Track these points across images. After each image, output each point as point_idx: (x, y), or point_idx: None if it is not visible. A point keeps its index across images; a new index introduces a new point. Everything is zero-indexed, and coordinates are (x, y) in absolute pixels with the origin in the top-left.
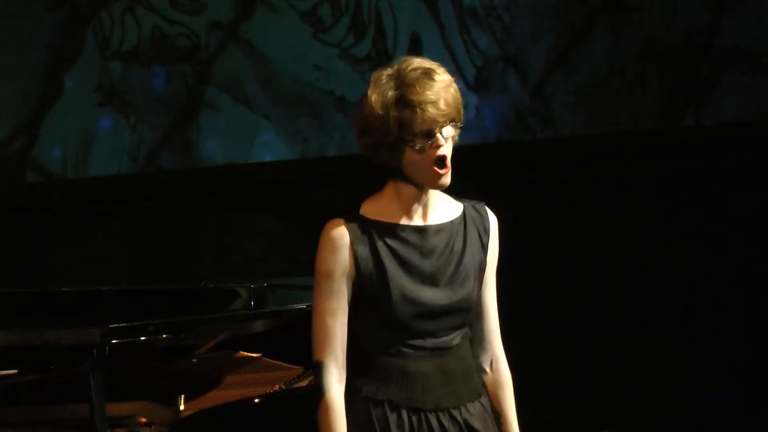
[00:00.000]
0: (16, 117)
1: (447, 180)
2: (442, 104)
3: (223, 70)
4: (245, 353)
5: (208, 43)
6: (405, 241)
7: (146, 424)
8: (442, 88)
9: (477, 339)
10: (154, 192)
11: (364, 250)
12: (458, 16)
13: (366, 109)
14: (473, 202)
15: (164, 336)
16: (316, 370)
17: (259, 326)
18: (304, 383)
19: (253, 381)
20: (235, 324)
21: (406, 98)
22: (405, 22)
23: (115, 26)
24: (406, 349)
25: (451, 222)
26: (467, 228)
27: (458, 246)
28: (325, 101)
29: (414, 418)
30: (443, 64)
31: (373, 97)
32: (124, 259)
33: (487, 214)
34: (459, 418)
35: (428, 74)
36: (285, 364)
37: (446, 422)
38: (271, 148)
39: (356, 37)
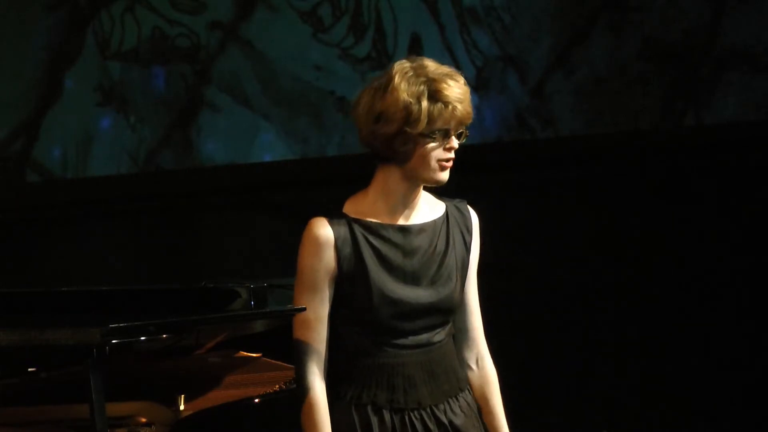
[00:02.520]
0: (16, 117)
1: (447, 176)
2: (467, 105)
3: (223, 70)
4: (245, 353)
5: (208, 43)
6: (388, 241)
7: (146, 424)
8: (466, 91)
9: (462, 337)
10: (154, 192)
11: (347, 250)
12: (458, 16)
13: (390, 96)
14: (455, 201)
15: (164, 336)
16: (299, 370)
17: (259, 326)
18: None
19: (253, 381)
20: (235, 324)
21: (439, 93)
22: (405, 22)
23: (115, 26)
24: (388, 348)
25: (434, 221)
26: (450, 227)
27: (441, 245)
28: (325, 101)
29: (396, 419)
30: (443, 64)
31: (402, 85)
32: (124, 259)
33: (469, 213)
34: (443, 417)
35: (452, 76)
36: (285, 364)
37: (429, 421)
38: (271, 148)
39: (356, 37)
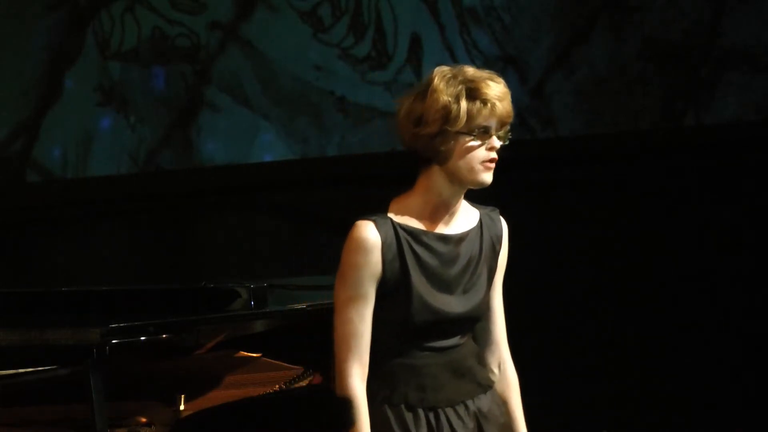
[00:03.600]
0: (16, 117)
1: (490, 178)
2: (507, 104)
3: (223, 70)
4: (245, 353)
5: (208, 43)
6: (429, 249)
7: (146, 424)
8: (506, 92)
9: (485, 342)
10: (154, 192)
11: (392, 255)
12: (458, 16)
13: (430, 98)
14: (488, 209)
15: (164, 336)
16: (340, 369)
17: (259, 326)
18: (304, 383)
19: (253, 381)
20: (235, 324)
21: (477, 91)
22: (405, 22)
23: (115, 26)
24: (417, 351)
25: (471, 231)
26: (483, 236)
27: (475, 254)
28: (325, 101)
29: (431, 415)
30: (443, 63)
31: (441, 86)
32: (124, 259)
33: (500, 221)
34: (472, 406)
35: (492, 77)
36: (285, 364)
37: (462, 413)
38: (271, 148)
39: (356, 37)
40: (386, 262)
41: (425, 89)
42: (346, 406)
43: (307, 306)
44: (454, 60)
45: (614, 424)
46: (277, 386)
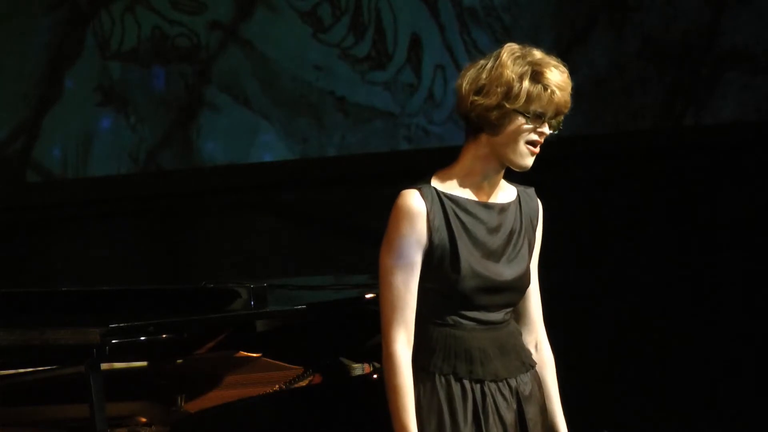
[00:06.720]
0: (16, 117)
1: (531, 162)
2: (566, 95)
3: (223, 70)
4: (245, 353)
5: (208, 43)
6: (474, 217)
7: (146, 424)
8: (568, 82)
9: (522, 321)
10: (154, 192)
11: (438, 222)
12: (458, 16)
13: (495, 71)
14: (524, 187)
15: (164, 336)
16: (385, 336)
17: (259, 326)
18: (304, 383)
19: (253, 381)
20: (235, 324)
21: (541, 76)
22: (405, 22)
23: (115, 26)
24: (464, 321)
25: (511, 203)
26: (522, 209)
27: (516, 226)
28: (325, 101)
29: (476, 388)
30: (443, 63)
31: (508, 62)
32: (124, 259)
33: (536, 198)
34: (515, 386)
35: (557, 65)
36: (285, 364)
37: (505, 391)
38: (271, 148)
39: (356, 37)
40: (432, 230)
41: (493, 62)
42: (389, 373)
43: (308, 306)
44: (453, 60)
45: (614, 424)
46: (277, 386)
